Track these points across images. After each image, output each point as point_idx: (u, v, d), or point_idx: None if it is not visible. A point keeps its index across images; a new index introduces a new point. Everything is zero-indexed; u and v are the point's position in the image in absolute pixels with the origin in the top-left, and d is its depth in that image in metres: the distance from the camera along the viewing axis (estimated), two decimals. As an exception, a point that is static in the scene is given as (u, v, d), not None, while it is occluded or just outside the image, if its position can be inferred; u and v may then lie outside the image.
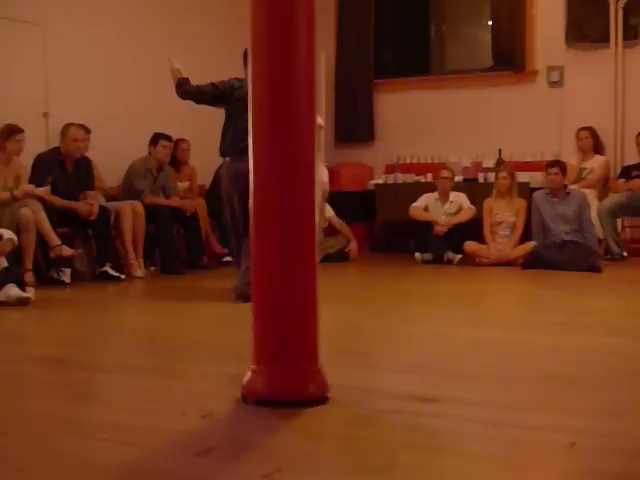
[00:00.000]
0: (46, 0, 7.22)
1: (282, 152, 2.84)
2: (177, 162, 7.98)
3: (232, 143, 5.22)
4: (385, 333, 4.26)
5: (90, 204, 6.71)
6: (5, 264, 5.41)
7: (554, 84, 8.85)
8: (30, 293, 5.35)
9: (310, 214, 2.84)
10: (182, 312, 5.16)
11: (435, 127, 9.34)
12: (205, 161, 8.07)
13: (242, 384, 2.83)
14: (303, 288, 2.85)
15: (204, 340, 4.18)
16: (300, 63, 2.79)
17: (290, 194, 2.81)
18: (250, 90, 2.86)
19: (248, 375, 2.83)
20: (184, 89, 5.40)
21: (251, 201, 2.86)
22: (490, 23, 9.49)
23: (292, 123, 2.82)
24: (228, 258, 7.96)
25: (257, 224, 2.87)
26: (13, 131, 6.42)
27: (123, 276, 6.72)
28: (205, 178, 8.31)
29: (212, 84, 5.40)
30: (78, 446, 2.41)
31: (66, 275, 6.48)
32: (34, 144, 6.81)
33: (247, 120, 4.47)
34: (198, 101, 5.52)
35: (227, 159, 5.41)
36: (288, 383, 2.80)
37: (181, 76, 5.41)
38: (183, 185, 8.01)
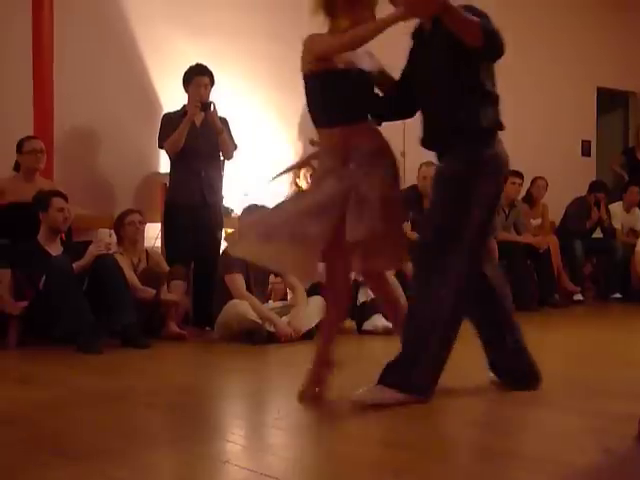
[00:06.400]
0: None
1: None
2: (532, 199, 7.96)
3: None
4: None
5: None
6: (372, 295, 5.68)
7: None
8: (394, 324, 5.57)
9: None
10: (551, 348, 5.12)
11: None
12: (555, 197, 8.07)
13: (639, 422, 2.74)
14: None
15: (583, 377, 4.06)
16: None
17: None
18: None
19: (648, 413, 2.74)
20: None
21: None
22: None
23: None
24: (579, 296, 7.81)
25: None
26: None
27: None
28: (556, 214, 8.21)
29: None
30: (483, 467, 2.51)
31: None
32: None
33: None
34: None
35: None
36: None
37: None
38: (535, 222, 7.97)
